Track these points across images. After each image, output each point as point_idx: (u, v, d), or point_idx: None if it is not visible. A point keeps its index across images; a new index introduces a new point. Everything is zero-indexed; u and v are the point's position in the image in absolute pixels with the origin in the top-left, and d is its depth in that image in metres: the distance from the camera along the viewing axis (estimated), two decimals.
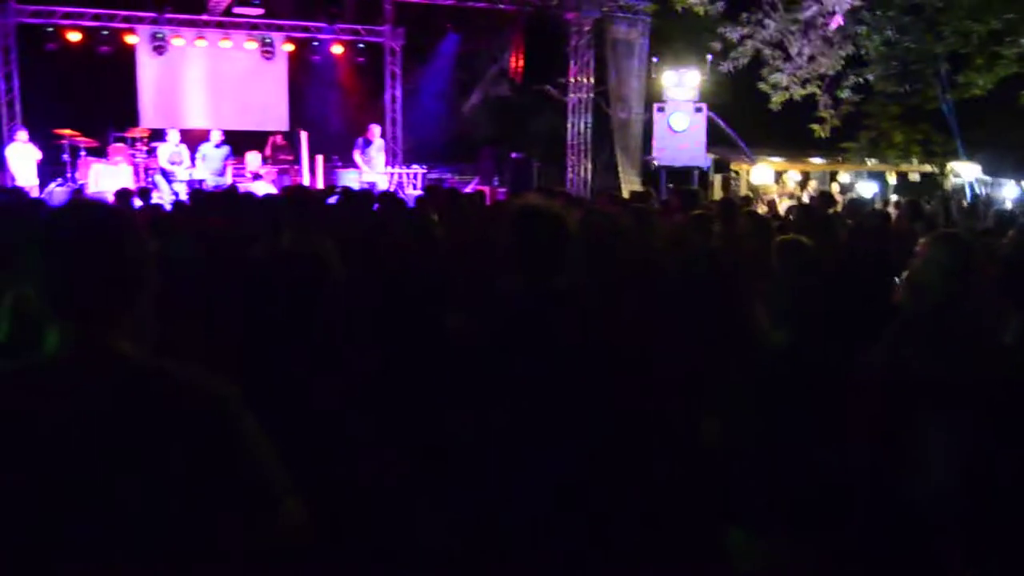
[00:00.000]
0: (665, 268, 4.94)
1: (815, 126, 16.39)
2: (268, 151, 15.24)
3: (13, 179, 13.10)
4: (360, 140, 14.62)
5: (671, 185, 14.42)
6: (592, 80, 14.62)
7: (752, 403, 2.63)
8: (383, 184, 14.54)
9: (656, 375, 2.67)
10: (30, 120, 15.22)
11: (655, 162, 16.07)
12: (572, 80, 14.57)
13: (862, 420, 2.50)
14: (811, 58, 16.11)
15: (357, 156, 14.57)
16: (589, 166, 14.63)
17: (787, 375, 2.63)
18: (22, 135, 13.45)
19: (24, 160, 13.25)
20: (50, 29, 15.15)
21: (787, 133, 18.01)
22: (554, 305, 2.46)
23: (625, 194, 13.26)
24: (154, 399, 1.51)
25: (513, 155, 15.40)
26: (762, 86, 17.15)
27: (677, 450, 2.56)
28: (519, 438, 2.33)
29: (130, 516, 1.47)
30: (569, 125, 14.86)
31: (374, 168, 14.61)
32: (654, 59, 16.11)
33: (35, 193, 12.33)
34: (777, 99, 17.01)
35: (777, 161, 18.47)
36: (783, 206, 13.60)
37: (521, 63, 13.85)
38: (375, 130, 14.81)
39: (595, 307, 2.62)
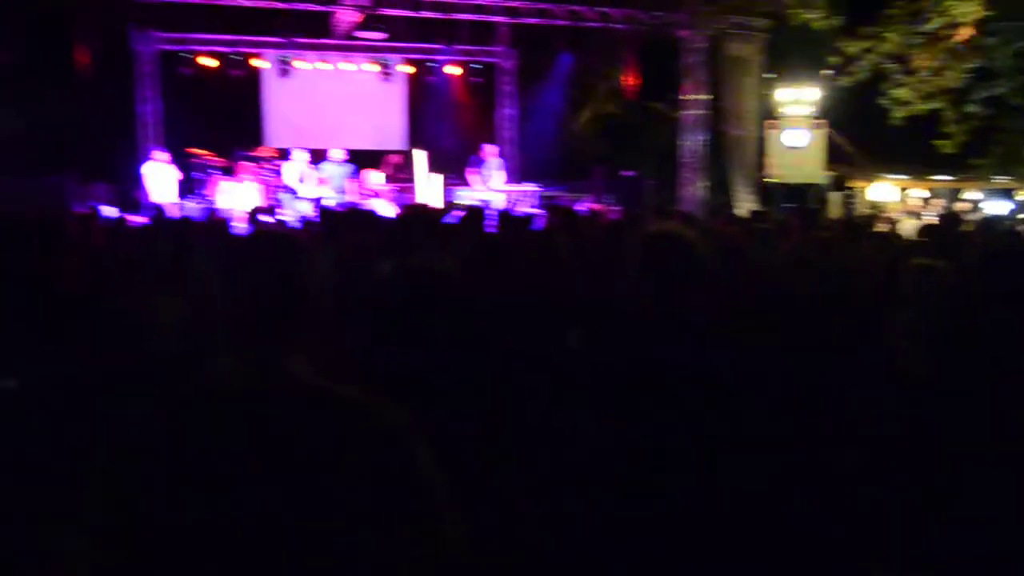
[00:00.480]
0: (788, 292, 4.89)
1: (941, 142, 15.79)
2: (388, 170, 15.67)
3: (147, 196, 13.88)
4: (473, 158, 14.89)
5: (792, 205, 14.16)
6: (706, 97, 14.50)
7: (900, 434, 2.59)
8: (498, 202, 14.75)
9: (783, 405, 2.67)
10: (167, 140, 16.16)
11: (769, 179, 15.83)
12: (685, 97, 14.48)
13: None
14: (936, 71, 15.56)
15: (471, 174, 14.85)
16: (701, 184, 14.48)
17: (938, 409, 2.58)
18: (160, 155, 14.21)
19: (164, 179, 13.99)
20: (186, 55, 16.06)
21: (908, 149, 17.43)
22: (684, 330, 2.48)
23: (740, 213, 13.09)
24: (329, 421, 1.55)
25: (624, 173, 15.39)
26: (882, 101, 16.67)
27: (809, 482, 2.55)
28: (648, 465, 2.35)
29: (302, 536, 1.50)
30: (681, 143, 14.75)
31: (489, 186, 14.82)
32: (769, 75, 15.89)
33: (176, 210, 12.98)
34: (898, 114, 16.49)
35: (898, 178, 17.90)
36: (905, 225, 13.16)
37: (634, 81, 13.86)
38: (488, 149, 15.05)
39: (721, 331, 2.63)
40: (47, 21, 12.68)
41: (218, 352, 1.60)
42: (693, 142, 14.57)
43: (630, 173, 15.37)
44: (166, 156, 14.20)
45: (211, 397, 1.57)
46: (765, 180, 15.86)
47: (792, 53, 16.47)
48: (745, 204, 14.31)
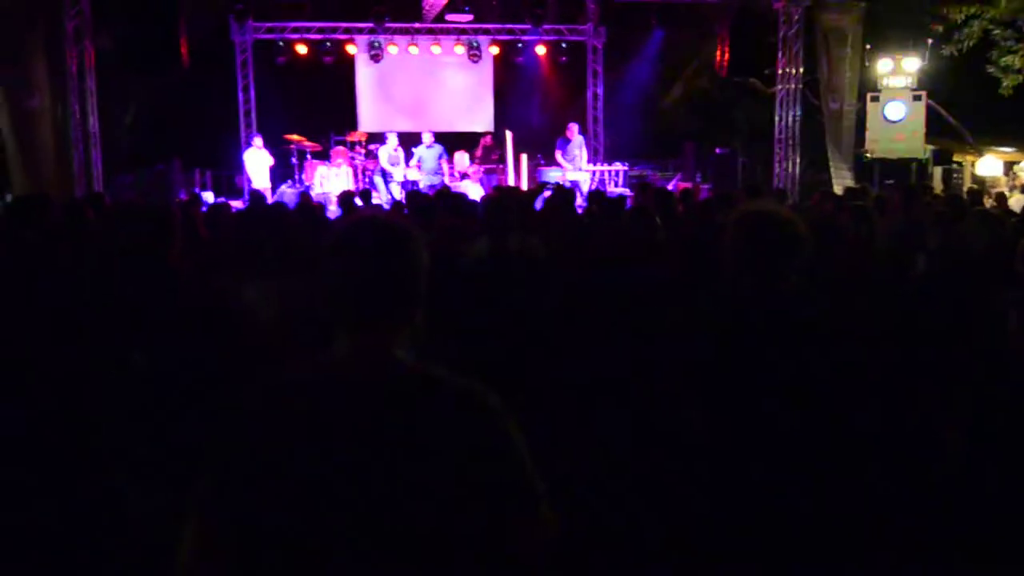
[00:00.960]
0: (889, 273, 4.75)
1: None
2: (479, 151, 15.78)
3: (250, 182, 14.32)
4: (560, 140, 14.85)
5: (889, 181, 13.68)
6: (801, 71, 14.09)
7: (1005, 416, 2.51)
8: (585, 182, 14.73)
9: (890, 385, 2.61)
10: (262, 127, 16.62)
11: (868, 155, 15.31)
12: (780, 71, 14.10)
13: None
14: None
15: (558, 155, 14.82)
16: (798, 160, 14.11)
17: None
18: (258, 141, 14.63)
19: (259, 165, 14.42)
20: (281, 43, 16.46)
21: (1019, 120, 16.59)
22: (786, 311, 2.44)
23: (837, 190, 12.73)
24: (432, 405, 1.59)
25: (718, 150, 15.13)
26: (991, 70, 15.91)
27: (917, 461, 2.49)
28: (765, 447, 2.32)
29: (400, 517, 1.54)
30: (776, 118, 14.39)
31: (576, 166, 14.80)
32: (867, 46, 15.33)
33: (268, 195, 13.39)
34: (1008, 83, 15.72)
35: (1006, 151, 17.06)
36: (1014, 201, 12.57)
37: (727, 56, 13.56)
38: (574, 128, 14.98)
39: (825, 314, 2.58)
40: (151, 13, 13.15)
41: (321, 336, 1.65)
42: (788, 117, 14.19)
43: (722, 150, 15.08)
44: (261, 142, 14.59)
45: (323, 382, 1.61)
46: (864, 156, 15.35)
47: (892, 22, 15.84)
48: (843, 181, 13.87)
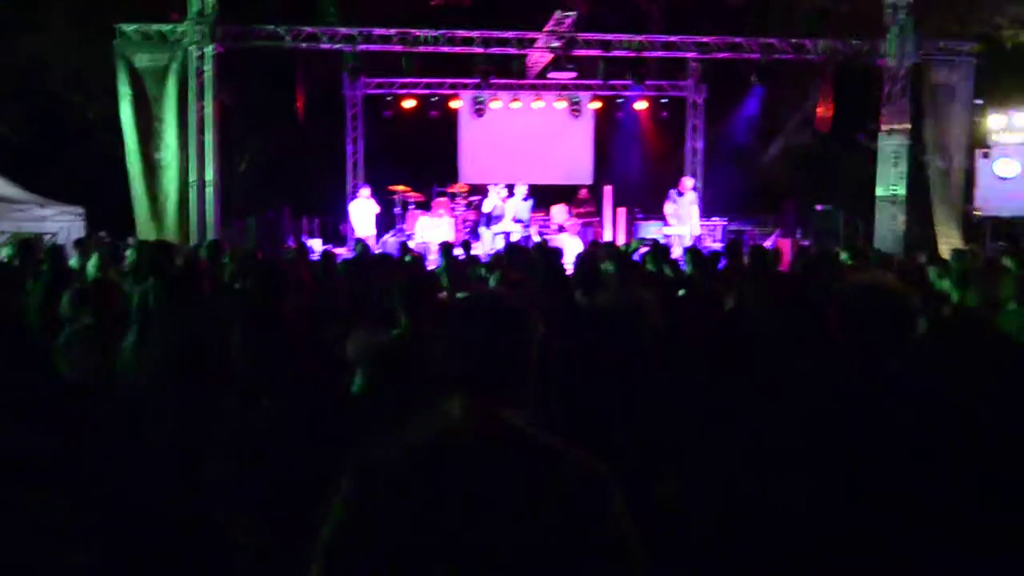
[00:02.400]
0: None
1: None
2: (575, 205, 16.00)
3: (354, 230, 14.82)
4: (672, 191, 14.73)
5: (1001, 243, 13.23)
6: (907, 127, 13.84)
7: None
8: (690, 237, 14.47)
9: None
10: (368, 178, 17.28)
11: (978, 213, 14.86)
12: (886, 128, 13.88)
13: None
14: None
15: (668, 206, 14.65)
16: (903, 218, 13.80)
17: None
18: (364, 192, 15.11)
19: (365, 214, 14.89)
20: (389, 98, 17.12)
21: None
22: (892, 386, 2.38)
23: (944, 250, 12.39)
24: (545, 474, 1.66)
25: (819, 207, 14.92)
26: None
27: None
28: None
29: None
30: (880, 174, 14.13)
31: (684, 221, 14.55)
32: (977, 101, 14.98)
33: (372, 243, 13.80)
34: None
35: None
36: None
37: (829, 111, 13.46)
38: (687, 182, 14.87)
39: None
40: (270, 69, 13.93)
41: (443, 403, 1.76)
42: (893, 174, 13.92)
43: (823, 207, 14.87)
44: (368, 192, 15.06)
45: (438, 446, 1.72)
46: (974, 214, 14.91)
47: (1004, 76, 15.46)
48: (950, 240, 13.50)
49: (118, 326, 3.93)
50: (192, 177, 12.76)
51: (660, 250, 8.34)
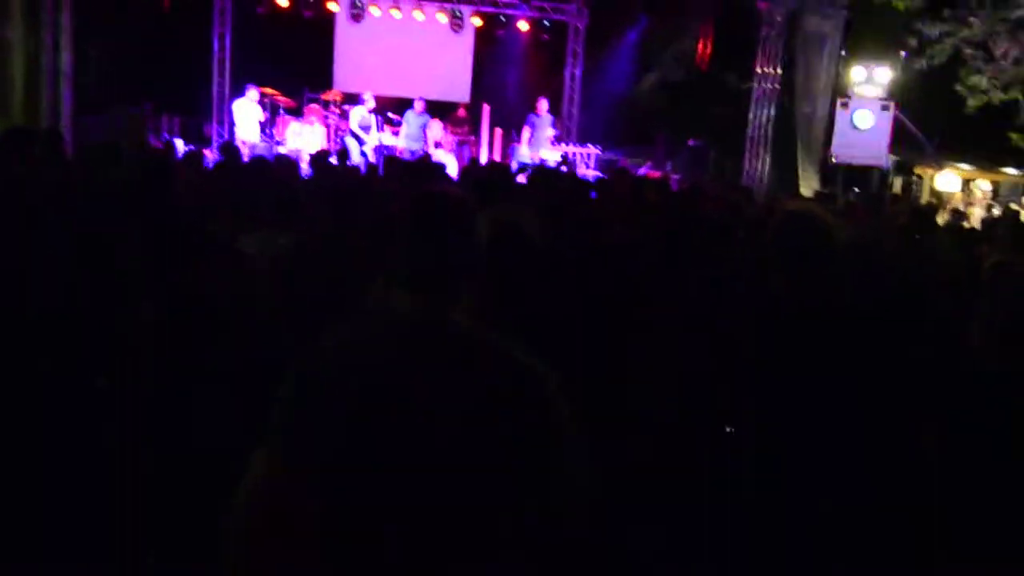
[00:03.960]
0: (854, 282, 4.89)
1: (1016, 134, 15.46)
2: (452, 122, 15.78)
3: (234, 132, 14.17)
4: (530, 115, 14.84)
5: (855, 189, 14.01)
6: (779, 71, 14.32)
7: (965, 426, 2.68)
8: (550, 160, 14.66)
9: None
10: (236, 77, 16.40)
11: (833, 159, 15.63)
12: (758, 71, 14.31)
13: None
14: (1017, 61, 15.19)
15: (526, 131, 14.79)
16: (768, 159, 14.37)
17: (1005, 401, 2.67)
18: (252, 93, 14.34)
19: (249, 117, 14.23)
20: None
21: (980, 140, 17.05)
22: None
23: (805, 191, 13.03)
24: (483, 372, 1.65)
25: (691, 142, 15.32)
26: (959, 88, 16.30)
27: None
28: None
29: (443, 485, 1.57)
30: (751, 116, 14.62)
31: (545, 145, 14.74)
32: (843, 53, 15.62)
33: (252, 149, 13.22)
34: (974, 103, 16.12)
35: (966, 168, 17.53)
36: (974, 217, 12.99)
37: (708, 50, 13.72)
38: (543, 104, 14.97)
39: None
40: None
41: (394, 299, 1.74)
42: (762, 116, 14.42)
43: (696, 143, 15.29)
44: (256, 95, 14.33)
45: (379, 339, 1.70)
46: (830, 160, 15.67)
47: (869, 32, 16.14)
48: (809, 183, 14.19)
49: None
50: (43, 62, 11.73)
51: (547, 175, 8.38)
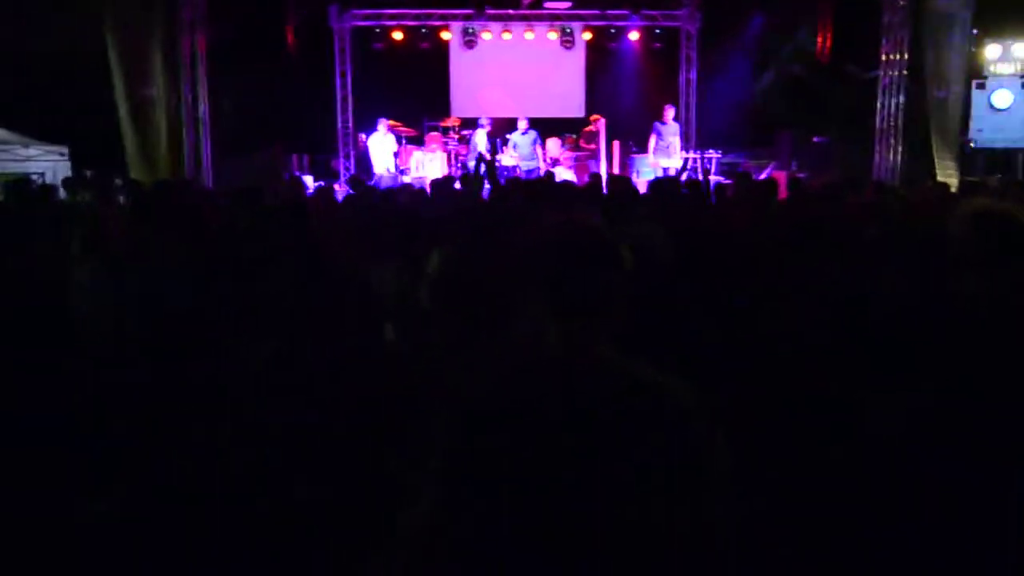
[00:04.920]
0: None
1: None
2: (569, 138, 15.87)
3: (372, 166, 14.84)
4: (656, 123, 14.74)
5: (998, 175, 13.23)
6: (906, 57, 13.72)
7: None
8: (677, 169, 14.60)
9: None
10: (358, 113, 17.01)
11: (972, 144, 14.82)
12: (884, 58, 13.76)
13: None
14: None
15: (652, 140, 14.70)
16: (900, 149, 13.77)
17: None
18: (382, 127, 15.04)
19: (384, 149, 14.88)
20: (378, 30, 16.76)
21: None
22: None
23: (944, 180, 12.41)
24: (631, 402, 1.65)
25: (815, 139, 14.85)
26: None
27: None
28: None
29: (602, 512, 1.60)
30: (879, 106, 14.05)
31: (669, 154, 14.65)
32: (974, 31, 14.81)
33: (377, 182, 13.71)
34: None
35: None
36: None
37: (829, 43, 13.27)
38: (669, 112, 14.86)
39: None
40: (257, 3, 13.51)
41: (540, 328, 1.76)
42: (891, 105, 13.85)
43: (821, 139, 14.80)
44: (386, 127, 15.00)
45: (528, 369, 1.74)
46: (968, 145, 14.87)
47: (1001, 6, 15.26)
48: (947, 171, 13.49)
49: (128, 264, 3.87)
50: (183, 114, 12.51)
51: (669, 184, 8.31)
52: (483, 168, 11.26)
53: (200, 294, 3.48)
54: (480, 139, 14.98)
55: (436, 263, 3.93)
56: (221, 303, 3.15)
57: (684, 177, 9.59)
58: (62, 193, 9.63)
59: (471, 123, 16.23)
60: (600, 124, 15.95)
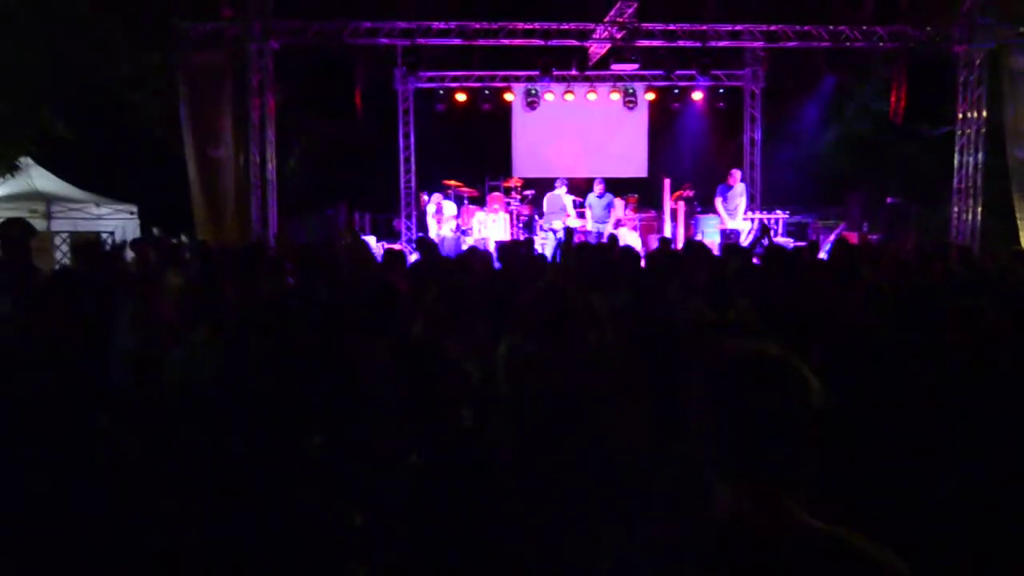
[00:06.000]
0: None
1: None
2: (633, 199, 15.72)
3: (427, 229, 14.85)
4: (721, 186, 14.50)
5: None
6: (983, 115, 13.33)
7: None
8: (745, 231, 14.31)
9: None
10: (420, 173, 17.09)
11: None
12: (960, 116, 13.40)
13: None
14: None
15: (718, 202, 14.45)
16: (979, 210, 13.30)
17: None
18: (447, 189, 15.28)
19: (443, 212, 14.94)
20: (441, 92, 16.87)
21: None
22: None
23: None
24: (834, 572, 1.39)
25: (889, 200, 14.44)
26: None
27: None
28: None
29: None
30: (957, 165, 13.63)
31: (735, 216, 14.37)
32: None
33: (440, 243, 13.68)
34: None
35: None
36: None
37: (903, 101, 12.96)
38: (736, 175, 14.61)
39: None
40: (328, 65, 13.62)
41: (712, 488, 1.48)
42: (969, 165, 13.42)
43: (894, 200, 14.38)
44: (447, 190, 15.10)
45: (705, 532, 1.45)
46: None
47: None
48: None
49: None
50: (251, 175, 12.63)
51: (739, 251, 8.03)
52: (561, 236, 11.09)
53: (292, 376, 3.31)
54: (556, 200, 14.76)
55: (505, 355, 3.66)
56: (314, 386, 2.97)
57: (764, 241, 9.28)
58: (129, 253, 9.68)
59: (533, 183, 16.17)
60: (665, 185, 15.73)
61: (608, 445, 3.26)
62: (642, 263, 7.06)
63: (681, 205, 15.40)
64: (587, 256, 7.81)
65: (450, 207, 15.22)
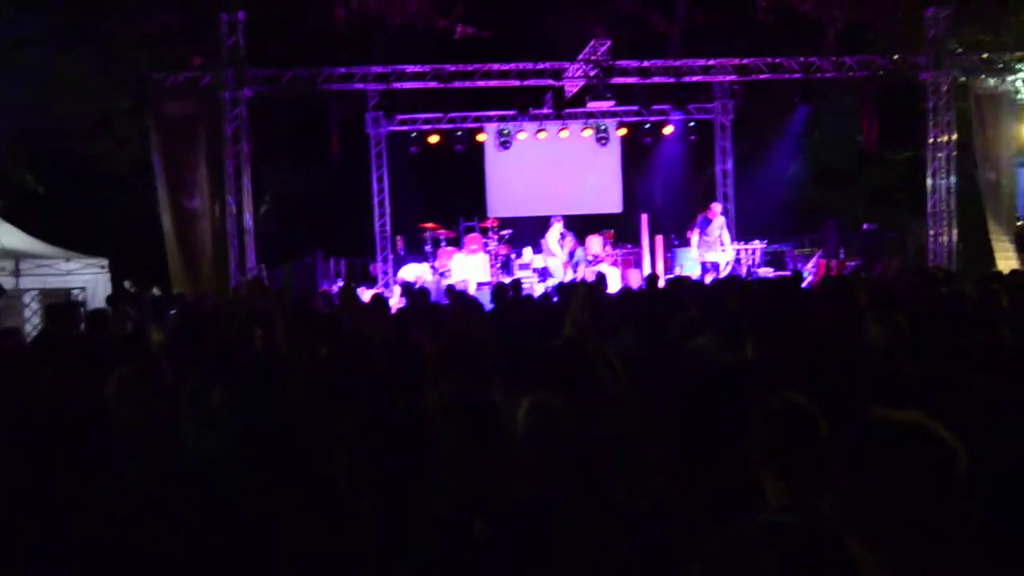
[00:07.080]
0: None
1: None
2: (609, 235, 15.76)
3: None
4: (701, 218, 14.52)
5: None
6: (953, 139, 13.56)
7: None
8: (724, 263, 14.29)
9: None
10: (394, 216, 16.95)
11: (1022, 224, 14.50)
12: (931, 141, 13.61)
13: None
14: None
15: (695, 235, 14.46)
16: (955, 233, 13.48)
17: None
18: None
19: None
20: (414, 134, 16.79)
21: None
22: None
23: (1004, 264, 12.07)
24: None
25: (865, 226, 14.58)
26: None
27: None
28: None
29: None
30: (930, 190, 13.82)
31: (713, 248, 14.32)
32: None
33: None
34: None
35: None
36: None
37: (875, 129, 13.15)
38: (716, 208, 14.65)
39: None
40: (295, 111, 13.52)
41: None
42: (941, 189, 13.61)
43: (871, 226, 14.52)
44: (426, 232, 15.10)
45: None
46: (1018, 225, 14.56)
47: None
48: (1006, 255, 13.14)
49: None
50: (227, 225, 12.42)
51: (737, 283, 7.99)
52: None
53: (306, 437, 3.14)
54: (555, 237, 14.71)
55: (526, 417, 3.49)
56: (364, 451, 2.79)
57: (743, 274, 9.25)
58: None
59: (509, 223, 16.12)
60: (643, 220, 15.74)
61: (646, 498, 3.12)
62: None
63: (659, 239, 15.42)
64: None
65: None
